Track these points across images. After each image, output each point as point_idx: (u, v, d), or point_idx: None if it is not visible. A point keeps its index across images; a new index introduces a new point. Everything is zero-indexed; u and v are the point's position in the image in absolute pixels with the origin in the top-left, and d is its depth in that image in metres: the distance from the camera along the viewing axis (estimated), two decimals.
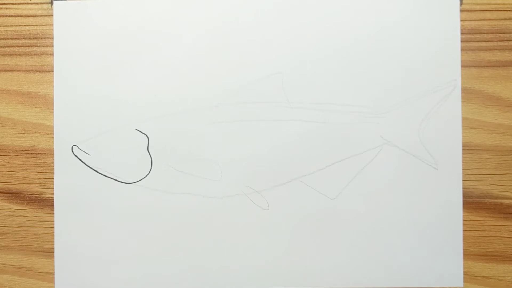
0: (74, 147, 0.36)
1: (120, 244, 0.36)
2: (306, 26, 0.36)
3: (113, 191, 0.36)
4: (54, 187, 0.36)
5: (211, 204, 0.36)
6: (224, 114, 0.36)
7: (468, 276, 0.36)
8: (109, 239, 0.36)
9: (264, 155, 0.36)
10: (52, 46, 0.37)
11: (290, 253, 0.36)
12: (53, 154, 0.36)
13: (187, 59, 0.36)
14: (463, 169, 0.36)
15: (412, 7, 0.36)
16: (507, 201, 0.36)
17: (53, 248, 0.37)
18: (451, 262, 0.36)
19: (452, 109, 0.36)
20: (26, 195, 0.36)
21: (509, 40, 0.36)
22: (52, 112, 0.36)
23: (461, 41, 0.36)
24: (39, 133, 0.37)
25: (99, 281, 0.36)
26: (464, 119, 0.36)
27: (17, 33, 0.37)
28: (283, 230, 0.36)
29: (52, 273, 0.37)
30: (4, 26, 0.37)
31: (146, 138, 0.36)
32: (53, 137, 0.36)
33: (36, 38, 0.37)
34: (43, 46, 0.37)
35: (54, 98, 0.36)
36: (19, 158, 0.37)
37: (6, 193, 0.37)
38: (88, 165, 0.36)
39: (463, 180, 0.36)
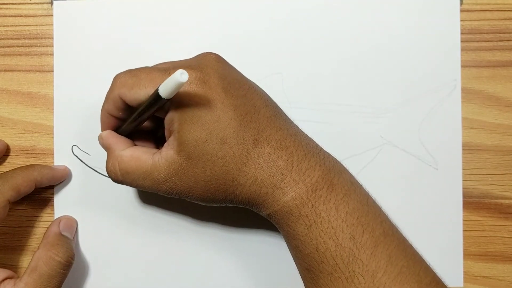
0: (74, 147, 0.36)
1: (120, 244, 0.36)
2: (306, 26, 0.36)
3: (113, 191, 0.36)
4: (54, 187, 0.36)
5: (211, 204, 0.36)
6: None
7: (468, 276, 0.36)
8: (108, 239, 0.36)
9: None
10: (52, 46, 0.37)
11: None
12: (53, 154, 0.36)
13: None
14: (463, 169, 0.36)
15: (412, 7, 0.36)
16: (507, 201, 0.36)
17: None
18: (451, 262, 0.36)
19: (452, 109, 0.36)
20: (26, 195, 0.35)
21: (509, 40, 0.36)
22: (52, 112, 0.36)
23: (461, 41, 0.36)
24: (39, 133, 0.37)
25: (99, 281, 0.36)
26: (464, 119, 0.36)
27: (17, 33, 0.37)
28: None
29: None
30: (4, 26, 0.37)
31: None
32: (53, 137, 0.36)
33: (36, 38, 0.37)
34: (43, 46, 0.37)
35: (54, 98, 0.36)
36: (19, 158, 0.37)
37: None
38: (88, 165, 0.36)
39: (463, 180, 0.36)
